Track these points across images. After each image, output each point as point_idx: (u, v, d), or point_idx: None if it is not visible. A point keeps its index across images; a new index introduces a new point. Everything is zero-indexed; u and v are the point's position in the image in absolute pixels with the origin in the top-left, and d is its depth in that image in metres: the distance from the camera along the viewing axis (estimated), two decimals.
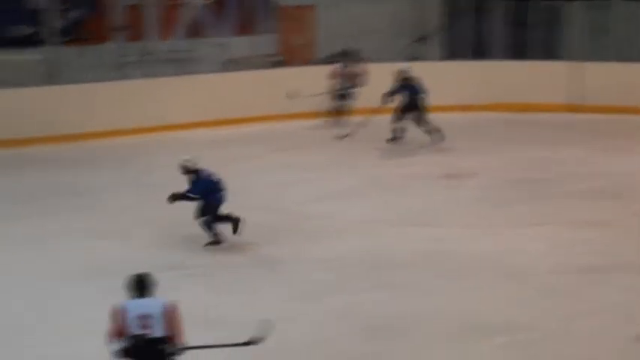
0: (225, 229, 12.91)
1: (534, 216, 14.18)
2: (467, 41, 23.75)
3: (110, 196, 15.64)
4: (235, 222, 12.81)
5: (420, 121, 18.35)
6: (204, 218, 12.71)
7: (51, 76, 20.30)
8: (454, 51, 23.68)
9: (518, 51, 22.97)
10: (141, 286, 7.88)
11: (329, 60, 21.93)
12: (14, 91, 19.53)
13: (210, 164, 15.58)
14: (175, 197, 12.76)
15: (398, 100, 18.50)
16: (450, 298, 11.05)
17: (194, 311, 9.91)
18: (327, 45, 22.91)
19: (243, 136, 19.95)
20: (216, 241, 12.73)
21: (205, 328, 9.67)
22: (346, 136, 19.18)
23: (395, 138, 18.48)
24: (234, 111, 20.84)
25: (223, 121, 20.64)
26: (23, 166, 17.80)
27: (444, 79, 21.09)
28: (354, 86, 20.17)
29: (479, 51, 23.42)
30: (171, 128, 20.17)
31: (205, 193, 12.67)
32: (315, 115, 20.23)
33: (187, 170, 12.74)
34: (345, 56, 21.37)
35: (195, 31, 22.92)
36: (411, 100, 18.28)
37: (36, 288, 11.55)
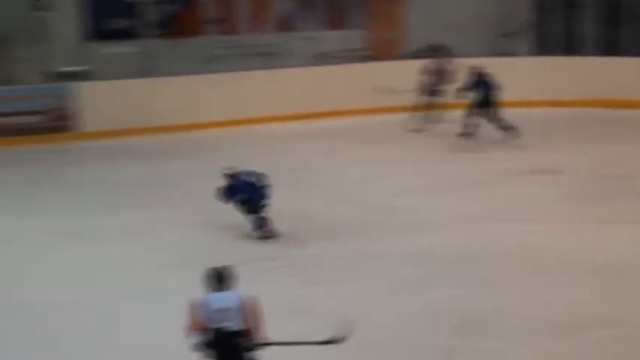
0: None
1: (620, 213, 13.98)
2: (557, 37, 23.41)
3: (199, 187, 15.70)
4: (261, 221, 12.80)
5: (493, 117, 18.18)
6: (252, 216, 12.86)
7: (145, 69, 20.49)
8: (543, 47, 23.34)
9: (610, 47, 22.51)
10: (220, 279, 7.81)
11: (417, 55, 21.82)
12: (110, 83, 19.70)
13: (296, 157, 15.74)
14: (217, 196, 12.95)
15: (472, 96, 18.29)
16: (537, 294, 10.93)
17: (280, 303, 10.11)
18: (415, 40, 22.80)
19: (330, 130, 20.14)
20: (267, 236, 12.69)
21: (292, 320, 9.77)
22: (422, 130, 19.07)
23: (467, 133, 18.35)
24: (323, 104, 20.89)
25: (312, 115, 20.78)
26: (116, 157, 18.19)
27: (533, 75, 20.84)
28: (444, 82, 19.86)
29: (569, 47, 23.04)
30: (261, 121, 20.46)
31: (244, 193, 12.84)
32: (403, 109, 20.06)
33: (225, 176, 12.90)
34: (435, 52, 21.19)
35: (286, 25, 23.18)
36: (484, 96, 18.11)
37: (125, 277, 11.72)
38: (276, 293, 10.57)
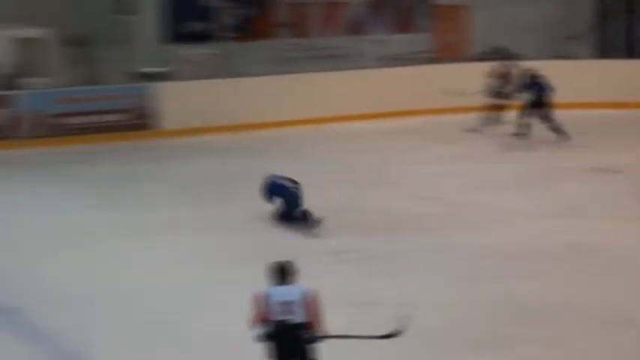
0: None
1: None
2: (618, 41, 23.40)
3: None
4: (306, 219, 13.36)
5: (546, 118, 18.34)
6: (297, 210, 13.50)
7: (222, 70, 20.86)
8: (605, 50, 23.36)
9: None
10: (283, 273, 7.90)
11: (482, 57, 21.96)
12: (188, 83, 20.09)
13: (364, 155, 15.96)
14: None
15: (526, 97, 18.68)
16: (594, 289, 11.13)
17: (348, 294, 10.63)
18: (479, 43, 22.97)
19: (399, 129, 20.44)
20: (313, 225, 13.26)
21: (359, 311, 10.19)
22: (480, 131, 19.24)
23: (520, 133, 18.58)
24: (391, 104, 21.14)
25: (380, 114, 21.07)
26: (193, 154, 18.57)
27: (594, 78, 20.89)
28: (509, 85, 19.90)
29: (630, 51, 23.05)
30: (333, 120, 20.78)
31: (279, 196, 13.68)
32: (468, 110, 20.23)
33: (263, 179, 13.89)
34: (500, 54, 21.32)
35: (355, 28, 23.60)
36: (538, 97, 18.29)
37: (198, 268, 12.02)
38: (343, 285, 11.02)
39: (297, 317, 7.76)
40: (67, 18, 21.65)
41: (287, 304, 7.76)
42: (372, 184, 16.00)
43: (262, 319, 7.80)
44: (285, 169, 16.64)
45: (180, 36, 21.83)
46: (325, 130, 20.20)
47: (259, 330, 7.85)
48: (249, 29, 22.79)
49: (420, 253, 12.52)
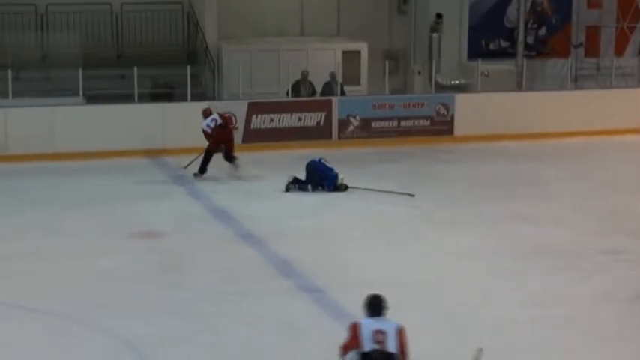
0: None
1: None
2: None
3: (559, 187, 15.69)
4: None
5: None
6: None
7: (518, 84, 20.56)
8: None
9: None
10: (377, 305, 7.38)
11: None
12: (485, 95, 19.91)
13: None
14: None
15: None
16: None
17: (621, 291, 10.47)
18: None
19: None
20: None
21: (633, 306, 10.10)
22: None
23: None
24: None
25: None
26: (485, 157, 18.48)
27: None
28: None
29: None
30: (619, 133, 20.15)
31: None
32: None
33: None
34: None
35: None
36: None
37: (479, 262, 11.88)
38: (615, 283, 10.90)
39: (390, 347, 7.31)
40: (385, 34, 22.10)
41: (381, 334, 7.32)
42: None
43: (354, 347, 7.34)
44: (564, 174, 16.25)
45: (482, 52, 21.85)
46: (611, 142, 19.69)
47: (351, 357, 7.38)
48: (545, 48, 22.45)
49: None
